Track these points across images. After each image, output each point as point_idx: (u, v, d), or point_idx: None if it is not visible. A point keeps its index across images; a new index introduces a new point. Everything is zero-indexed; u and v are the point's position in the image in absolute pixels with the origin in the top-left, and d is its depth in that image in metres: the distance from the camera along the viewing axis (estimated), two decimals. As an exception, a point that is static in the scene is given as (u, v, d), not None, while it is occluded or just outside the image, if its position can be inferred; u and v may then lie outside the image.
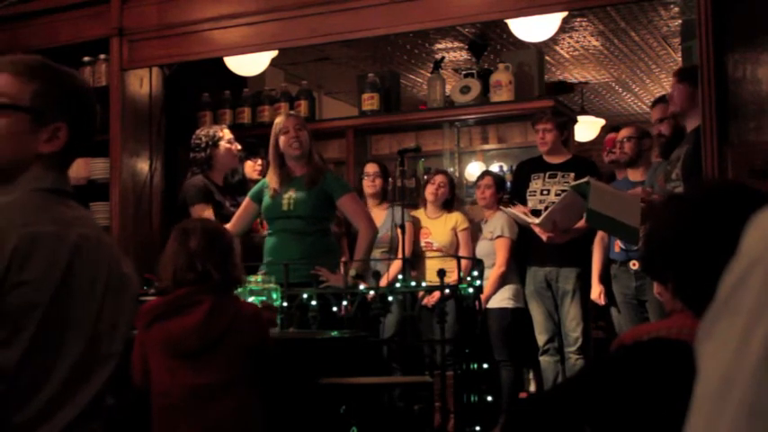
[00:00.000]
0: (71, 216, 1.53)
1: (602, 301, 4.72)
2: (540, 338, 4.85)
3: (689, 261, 1.42)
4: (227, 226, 4.23)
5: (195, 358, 2.65)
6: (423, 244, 5.19)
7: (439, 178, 5.27)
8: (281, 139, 4.13)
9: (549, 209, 4.46)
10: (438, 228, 5.20)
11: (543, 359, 4.84)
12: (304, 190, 4.07)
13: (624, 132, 4.83)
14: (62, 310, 1.46)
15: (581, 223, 4.43)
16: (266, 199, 4.16)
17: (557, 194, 4.71)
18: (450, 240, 5.15)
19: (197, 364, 2.64)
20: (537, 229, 4.58)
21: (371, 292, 3.82)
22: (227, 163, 4.69)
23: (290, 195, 4.08)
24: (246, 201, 4.30)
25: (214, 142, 4.60)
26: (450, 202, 5.31)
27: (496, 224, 5.04)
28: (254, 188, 4.32)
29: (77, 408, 1.48)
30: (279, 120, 4.26)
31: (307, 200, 4.05)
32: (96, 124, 1.63)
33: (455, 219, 5.21)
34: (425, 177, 5.69)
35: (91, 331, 1.51)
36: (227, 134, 4.67)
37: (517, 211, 4.70)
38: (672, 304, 1.51)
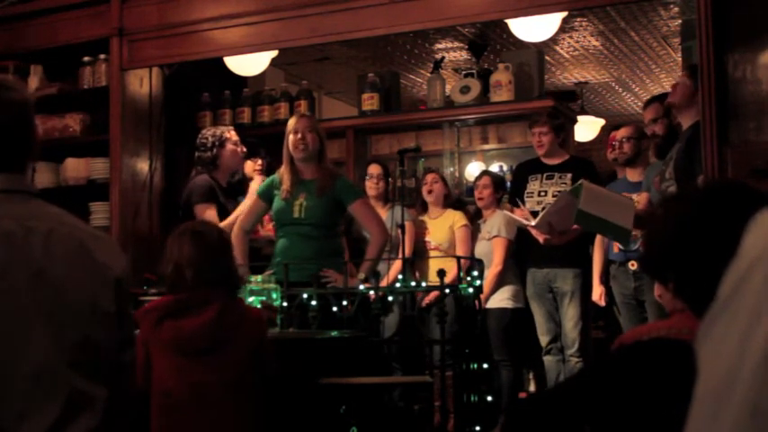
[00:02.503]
0: (18, 211, 1.56)
1: (602, 302, 4.72)
2: (543, 339, 4.85)
3: (690, 260, 1.42)
4: (236, 222, 4.24)
5: (203, 357, 2.66)
6: (424, 242, 5.21)
7: (429, 177, 5.28)
8: (290, 138, 4.10)
9: (545, 211, 4.46)
10: (436, 226, 5.21)
11: (546, 359, 4.84)
12: (315, 197, 4.03)
13: (623, 132, 4.81)
14: (9, 297, 1.47)
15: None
16: (278, 201, 4.10)
17: (554, 195, 4.71)
18: (448, 238, 5.15)
19: (204, 363, 2.65)
20: (534, 232, 4.58)
21: (372, 292, 3.82)
22: (233, 164, 4.67)
23: (301, 203, 4.02)
24: (255, 199, 4.24)
25: (221, 142, 4.58)
26: (449, 197, 5.31)
27: (493, 224, 5.04)
28: (263, 185, 4.24)
29: (62, 397, 1.48)
30: (291, 119, 4.23)
31: (317, 207, 4.01)
32: (11, 130, 1.64)
33: (453, 217, 5.21)
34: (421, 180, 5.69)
35: (54, 316, 1.51)
36: (233, 135, 4.66)
37: (518, 215, 4.70)
38: (672, 304, 1.51)
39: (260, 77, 6.08)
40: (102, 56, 5.13)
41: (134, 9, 5.00)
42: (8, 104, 1.63)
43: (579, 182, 3.87)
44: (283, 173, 4.13)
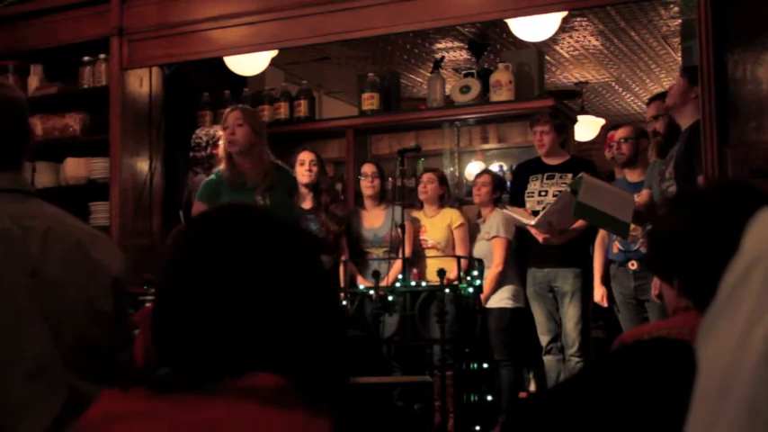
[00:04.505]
0: (15, 210, 1.57)
1: (604, 303, 4.72)
2: (543, 339, 4.85)
3: (697, 258, 1.42)
4: None
5: None
6: (420, 240, 5.19)
7: (425, 177, 5.26)
8: (223, 132, 4.02)
9: (545, 210, 4.46)
10: (434, 225, 5.18)
11: (547, 358, 4.84)
12: (273, 193, 3.93)
13: (621, 133, 4.79)
14: (6, 296, 1.48)
15: (578, 224, 4.42)
16: (231, 193, 3.94)
17: (554, 195, 4.71)
18: (446, 238, 5.13)
19: None
20: (533, 230, 4.58)
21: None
22: None
23: (264, 199, 3.89)
24: (197, 205, 4.00)
25: (214, 142, 4.59)
26: (444, 197, 5.28)
27: (492, 224, 5.03)
28: (203, 191, 4.04)
29: (59, 396, 1.48)
30: (227, 111, 4.12)
31: (281, 204, 3.93)
32: (6, 128, 1.64)
33: (450, 216, 5.18)
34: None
35: (52, 315, 1.51)
36: None
37: (515, 212, 4.70)
38: (674, 303, 1.51)
39: (260, 77, 6.08)
40: (102, 56, 5.13)
41: (134, 9, 5.00)
42: (2, 103, 1.63)
43: (580, 175, 3.88)
44: (223, 169, 4.03)
